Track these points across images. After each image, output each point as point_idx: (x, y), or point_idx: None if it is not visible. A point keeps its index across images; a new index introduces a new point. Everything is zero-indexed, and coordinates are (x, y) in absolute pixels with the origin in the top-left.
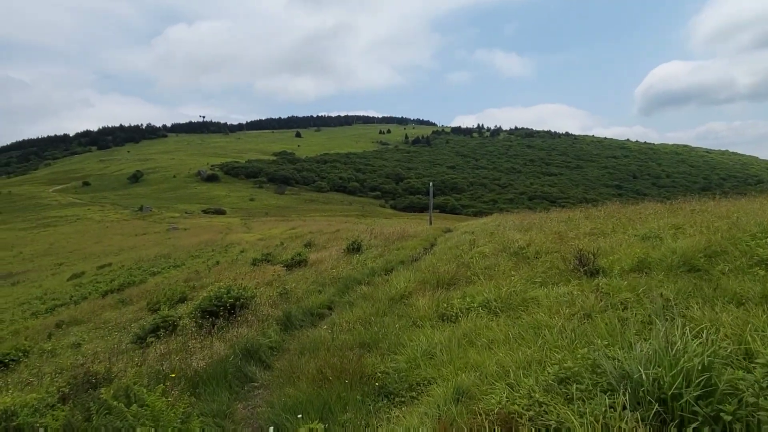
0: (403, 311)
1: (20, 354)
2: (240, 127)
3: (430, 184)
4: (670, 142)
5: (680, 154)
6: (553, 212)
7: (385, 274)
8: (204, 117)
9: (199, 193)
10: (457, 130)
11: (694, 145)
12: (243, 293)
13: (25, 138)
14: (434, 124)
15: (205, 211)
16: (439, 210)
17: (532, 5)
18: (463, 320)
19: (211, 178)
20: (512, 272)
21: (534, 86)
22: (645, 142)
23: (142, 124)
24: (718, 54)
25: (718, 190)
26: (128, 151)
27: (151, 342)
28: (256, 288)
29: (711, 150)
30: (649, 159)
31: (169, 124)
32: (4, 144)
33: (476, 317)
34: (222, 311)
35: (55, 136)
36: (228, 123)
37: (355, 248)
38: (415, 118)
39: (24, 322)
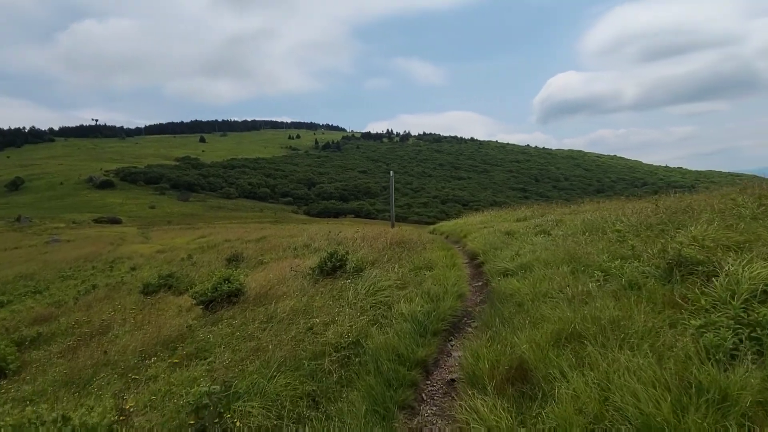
0: None
1: None
2: (138, 132)
3: (391, 173)
4: (566, 148)
5: (575, 158)
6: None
7: (450, 335)
8: (97, 120)
9: (91, 201)
10: (367, 136)
11: (586, 150)
12: None
13: None
14: (344, 130)
15: (96, 221)
16: (354, 215)
17: (456, 15)
18: None
19: (105, 185)
20: None
21: (446, 94)
22: (544, 148)
23: (24, 128)
24: (609, 66)
25: (610, 191)
26: (8, 157)
27: None
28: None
29: (602, 155)
30: (548, 163)
31: (56, 128)
32: None
33: None
34: None
35: None
36: (125, 127)
37: (336, 265)
38: (325, 123)
39: None
